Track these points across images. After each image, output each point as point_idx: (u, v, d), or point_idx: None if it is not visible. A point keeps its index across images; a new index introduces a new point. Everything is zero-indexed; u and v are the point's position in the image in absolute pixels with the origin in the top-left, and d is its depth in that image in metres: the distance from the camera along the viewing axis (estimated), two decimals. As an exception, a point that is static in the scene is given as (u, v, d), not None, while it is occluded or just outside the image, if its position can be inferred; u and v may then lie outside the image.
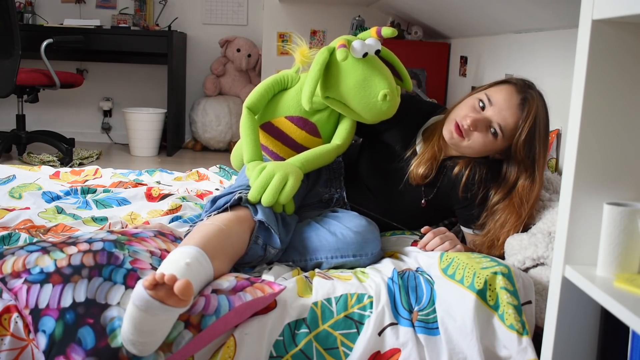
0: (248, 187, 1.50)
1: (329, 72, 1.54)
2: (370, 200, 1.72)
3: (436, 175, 1.62)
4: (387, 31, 1.51)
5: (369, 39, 1.54)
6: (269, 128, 1.67)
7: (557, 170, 2.06)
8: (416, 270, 1.44)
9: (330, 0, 4.13)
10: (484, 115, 1.53)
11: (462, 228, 1.68)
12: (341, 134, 1.64)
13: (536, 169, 1.53)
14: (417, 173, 1.62)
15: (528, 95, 1.53)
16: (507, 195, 1.54)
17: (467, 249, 1.57)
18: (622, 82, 0.97)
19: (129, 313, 1.09)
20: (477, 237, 1.60)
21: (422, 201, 1.66)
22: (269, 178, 1.46)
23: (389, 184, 1.69)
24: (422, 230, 1.59)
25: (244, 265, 1.46)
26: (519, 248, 1.47)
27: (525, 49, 2.48)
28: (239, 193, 1.47)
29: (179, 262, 1.21)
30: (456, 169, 1.60)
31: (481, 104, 1.54)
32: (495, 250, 1.53)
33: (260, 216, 1.42)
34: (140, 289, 1.07)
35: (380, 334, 1.26)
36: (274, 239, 1.43)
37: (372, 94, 1.50)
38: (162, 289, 1.07)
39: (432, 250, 1.51)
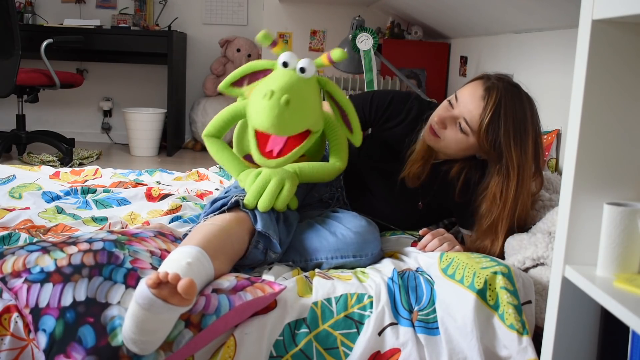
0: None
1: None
2: (370, 200, 1.72)
3: (432, 179, 1.62)
4: (336, 54, 1.43)
5: (304, 60, 1.45)
6: (251, 159, 1.61)
7: (557, 170, 2.06)
8: (416, 270, 1.44)
9: (330, 0, 4.13)
10: (451, 112, 1.54)
11: (461, 229, 1.68)
12: (338, 154, 1.56)
13: (507, 161, 1.49)
14: (410, 172, 1.62)
15: (491, 85, 1.50)
16: (485, 192, 1.53)
17: (466, 249, 1.57)
18: (622, 82, 0.97)
19: (131, 311, 1.09)
20: (471, 237, 1.60)
21: (419, 203, 1.67)
22: (265, 183, 1.44)
23: (387, 184, 1.69)
24: (420, 232, 1.59)
25: (244, 267, 1.46)
26: (518, 248, 1.47)
27: (525, 49, 2.49)
28: (236, 196, 1.46)
29: (180, 262, 1.21)
30: (452, 173, 1.60)
31: (450, 103, 1.55)
32: (491, 250, 1.53)
33: (259, 226, 1.41)
34: (143, 288, 1.07)
35: (380, 333, 1.26)
36: (274, 245, 1.43)
37: (261, 92, 1.40)
38: (165, 287, 1.07)
39: (432, 251, 1.51)
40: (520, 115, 1.49)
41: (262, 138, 1.45)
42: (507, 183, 1.49)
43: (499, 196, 1.50)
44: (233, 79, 1.53)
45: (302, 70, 1.42)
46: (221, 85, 1.53)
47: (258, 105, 1.38)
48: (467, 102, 1.51)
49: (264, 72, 1.50)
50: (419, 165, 1.61)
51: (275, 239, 1.42)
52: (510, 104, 1.48)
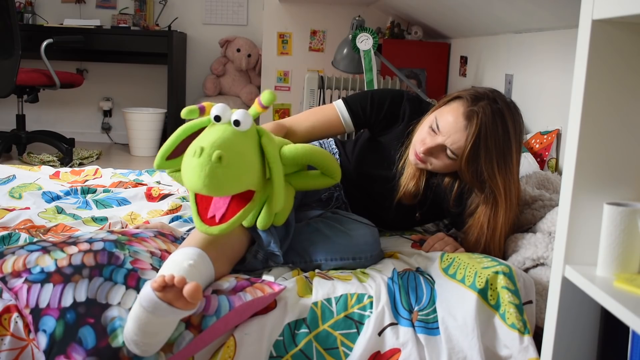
0: None
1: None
2: (367, 200, 1.72)
3: (426, 192, 1.61)
4: (266, 97, 1.27)
5: (238, 111, 1.29)
6: None
7: (557, 170, 2.06)
8: (416, 270, 1.44)
9: (330, 0, 4.13)
10: (436, 141, 1.49)
11: (457, 232, 1.69)
12: (331, 174, 1.45)
13: (493, 189, 1.45)
14: (406, 192, 1.60)
15: (472, 113, 1.44)
16: (473, 218, 1.52)
17: (468, 251, 1.56)
18: (622, 82, 0.97)
19: (135, 314, 1.09)
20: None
21: (417, 214, 1.67)
22: (261, 206, 1.37)
23: (382, 187, 1.68)
24: (413, 237, 1.58)
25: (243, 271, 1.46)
26: (518, 248, 1.47)
27: (525, 49, 2.48)
28: None
29: (182, 264, 1.21)
30: (445, 184, 1.58)
31: (432, 129, 1.50)
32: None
33: (266, 243, 1.40)
34: (148, 291, 1.07)
35: (380, 334, 1.26)
36: (278, 258, 1.43)
37: (191, 150, 1.23)
38: (170, 291, 1.07)
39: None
40: (503, 140, 1.43)
41: (202, 202, 1.30)
42: (495, 211, 1.47)
43: (486, 225, 1.48)
44: (168, 150, 1.33)
45: (237, 123, 1.26)
46: (156, 162, 1.35)
47: (188, 164, 1.22)
48: (450, 132, 1.46)
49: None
50: (413, 183, 1.59)
51: (279, 251, 1.42)
52: (492, 130, 1.42)
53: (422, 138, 1.52)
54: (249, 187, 1.29)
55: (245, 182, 1.27)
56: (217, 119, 1.27)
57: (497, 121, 1.43)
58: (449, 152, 1.48)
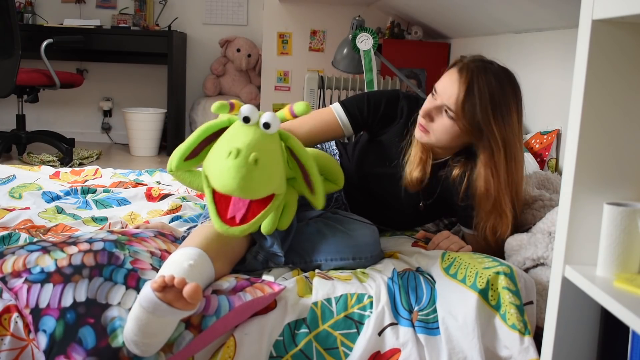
0: None
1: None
2: (369, 201, 1.72)
3: (433, 183, 1.61)
4: (299, 107, 1.27)
5: (266, 114, 1.28)
6: None
7: (557, 170, 2.06)
8: (416, 270, 1.44)
9: (330, 0, 4.13)
10: (434, 103, 1.52)
11: (462, 228, 1.68)
12: (335, 181, 1.48)
13: (489, 136, 1.47)
14: (412, 178, 1.60)
15: (463, 66, 1.49)
16: (477, 176, 1.52)
17: (474, 248, 1.56)
18: (622, 82, 0.97)
19: (135, 314, 1.09)
20: (476, 221, 1.58)
21: (420, 204, 1.66)
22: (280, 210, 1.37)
23: (386, 186, 1.68)
24: (418, 235, 1.58)
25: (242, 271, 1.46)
26: (518, 248, 1.47)
27: (525, 49, 2.48)
28: None
29: (182, 264, 1.21)
30: (453, 176, 1.59)
31: (433, 96, 1.54)
32: (502, 228, 1.52)
33: (269, 245, 1.41)
34: (148, 291, 1.07)
35: (380, 334, 1.26)
36: (279, 259, 1.43)
37: (224, 150, 1.22)
38: (170, 291, 1.07)
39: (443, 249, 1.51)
40: (496, 88, 1.46)
41: (221, 202, 1.28)
42: (494, 158, 1.48)
43: (490, 173, 1.48)
44: (187, 151, 1.31)
45: (267, 125, 1.26)
46: (174, 164, 1.32)
47: (221, 165, 1.21)
48: (446, 89, 1.50)
49: (221, 133, 1.31)
50: (419, 168, 1.60)
51: (281, 252, 1.41)
52: (483, 79, 1.46)
53: (422, 108, 1.55)
54: (275, 191, 1.29)
55: (274, 185, 1.27)
56: (247, 120, 1.26)
57: (490, 72, 1.48)
58: (447, 110, 1.49)
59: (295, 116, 1.29)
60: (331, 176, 1.44)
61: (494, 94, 1.46)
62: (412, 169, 1.60)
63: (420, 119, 1.54)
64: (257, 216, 1.27)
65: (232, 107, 1.26)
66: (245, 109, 1.26)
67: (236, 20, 4.87)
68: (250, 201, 1.28)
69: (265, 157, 1.22)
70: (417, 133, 1.57)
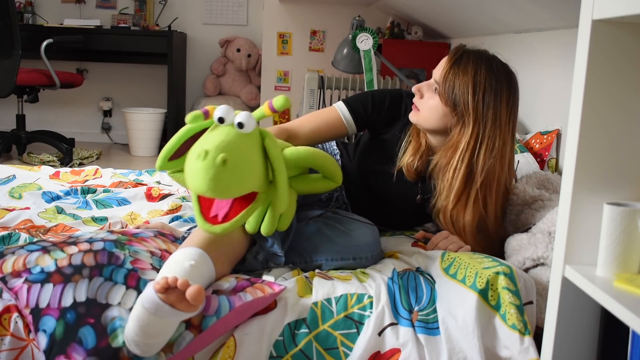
0: None
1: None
2: (370, 199, 1.72)
3: (427, 170, 1.62)
4: (280, 102, 1.26)
5: (242, 113, 1.27)
6: None
7: (557, 170, 2.06)
8: (416, 270, 1.44)
9: (330, 0, 4.13)
10: (427, 82, 1.58)
11: None
12: (332, 177, 1.46)
13: (462, 109, 1.47)
14: (406, 165, 1.62)
15: (460, 48, 1.55)
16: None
17: (474, 249, 1.56)
18: (622, 82, 0.97)
19: (136, 314, 1.09)
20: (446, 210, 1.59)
21: (418, 197, 1.66)
22: (265, 207, 1.36)
23: (386, 182, 1.68)
24: (417, 235, 1.58)
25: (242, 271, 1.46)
26: (518, 248, 1.47)
27: (525, 49, 2.48)
28: None
29: (183, 264, 1.21)
30: (442, 163, 1.59)
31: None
32: (465, 227, 1.52)
33: (270, 245, 1.42)
34: (150, 292, 1.07)
35: (380, 334, 1.26)
36: (279, 259, 1.43)
37: (195, 152, 1.22)
38: (173, 293, 1.07)
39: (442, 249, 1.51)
40: (483, 70, 1.47)
41: (205, 202, 1.29)
42: (463, 130, 1.48)
43: (457, 158, 1.48)
44: (170, 151, 1.31)
45: (240, 125, 1.25)
46: (158, 164, 1.33)
47: (193, 166, 1.21)
48: (439, 67, 1.56)
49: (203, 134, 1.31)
50: (414, 156, 1.61)
51: (281, 252, 1.41)
52: (472, 59, 1.49)
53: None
54: (253, 189, 1.28)
55: (249, 184, 1.26)
56: (221, 120, 1.26)
57: (484, 58, 1.50)
58: (435, 85, 1.54)
59: (274, 111, 1.27)
60: (328, 174, 1.44)
61: (478, 74, 1.47)
62: (407, 155, 1.62)
63: (414, 99, 1.59)
64: (239, 214, 1.27)
65: (206, 115, 1.26)
66: (219, 109, 1.25)
67: (236, 20, 4.87)
68: (233, 200, 1.28)
69: (235, 157, 1.21)
70: (411, 115, 1.61)
